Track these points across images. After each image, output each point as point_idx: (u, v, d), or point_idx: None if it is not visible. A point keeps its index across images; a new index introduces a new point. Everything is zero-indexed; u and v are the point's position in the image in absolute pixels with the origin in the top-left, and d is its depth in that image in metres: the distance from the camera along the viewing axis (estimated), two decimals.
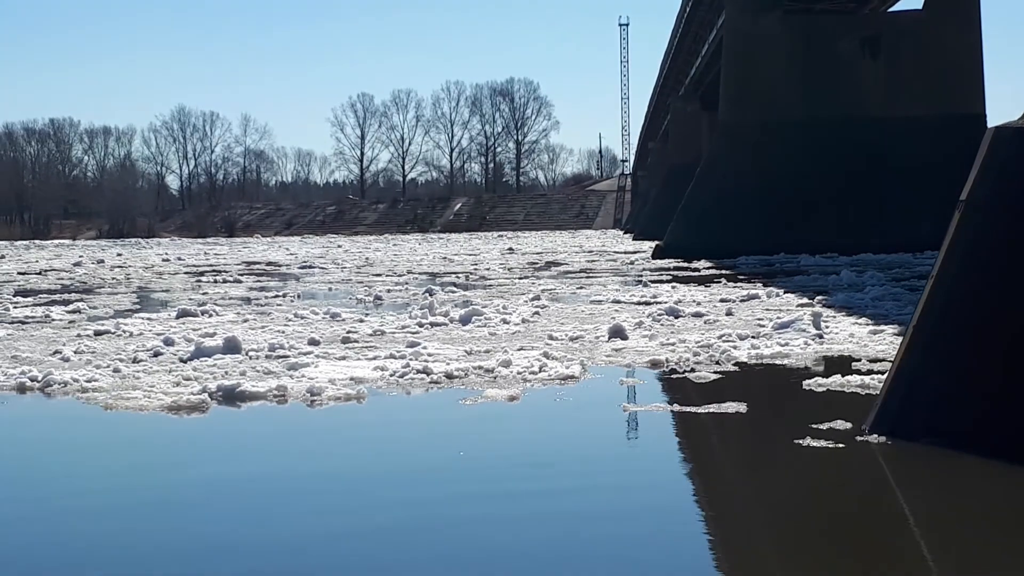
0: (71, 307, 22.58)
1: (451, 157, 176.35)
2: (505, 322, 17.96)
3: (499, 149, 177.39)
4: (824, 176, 48.23)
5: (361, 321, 18.50)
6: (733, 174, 49.70)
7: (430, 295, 23.96)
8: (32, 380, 12.06)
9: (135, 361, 13.68)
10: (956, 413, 8.22)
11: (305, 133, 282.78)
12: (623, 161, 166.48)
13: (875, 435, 8.54)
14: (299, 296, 26.24)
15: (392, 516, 7.02)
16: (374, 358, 13.62)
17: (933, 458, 8.07)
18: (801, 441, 8.52)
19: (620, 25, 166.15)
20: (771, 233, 46.32)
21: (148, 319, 19.60)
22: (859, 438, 8.58)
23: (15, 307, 23.28)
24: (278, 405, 10.82)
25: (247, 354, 13.97)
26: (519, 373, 12.19)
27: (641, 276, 32.54)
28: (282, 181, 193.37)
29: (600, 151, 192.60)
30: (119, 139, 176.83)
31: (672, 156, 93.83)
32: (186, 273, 40.89)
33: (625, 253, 54.39)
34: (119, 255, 65.35)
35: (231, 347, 14.11)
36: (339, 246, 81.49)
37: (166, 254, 65.26)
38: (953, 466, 7.88)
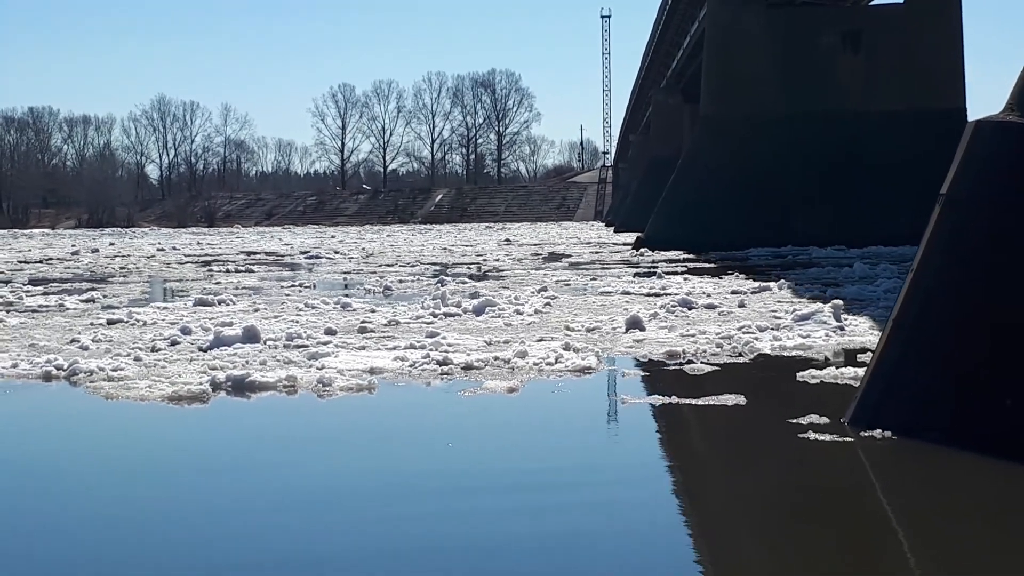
0: (85, 296, 22.47)
1: (432, 148, 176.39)
2: (519, 313, 17.85)
3: (480, 140, 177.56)
4: (805, 170, 48.29)
5: (373, 311, 18.43)
6: (714, 167, 49.73)
7: (442, 285, 24.04)
8: (58, 368, 11.93)
9: (154, 350, 13.62)
10: (935, 407, 8.23)
11: (286, 123, 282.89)
12: (604, 153, 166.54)
13: (854, 427, 8.55)
14: (315, 286, 26.17)
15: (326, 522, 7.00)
16: (394, 348, 13.57)
17: (911, 452, 8.06)
18: (804, 435, 8.46)
19: (602, 17, 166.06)
20: (751, 227, 46.34)
21: (164, 308, 19.58)
22: (848, 431, 8.58)
23: (28, 295, 23.18)
24: (288, 396, 10.71)
25: (266, 343, 13.97)
26: (535, 364, 12.11)
27: (655, 268, 32.21)
28: (262, 171, 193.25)
29: (581, 143, 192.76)
30: (99, 128, 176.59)
31: (653, 148, 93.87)
32: (192, 263, 40.85)
33: (624, 245, 54.19)
34: (111, 244, 65.05)
35: (250, 336, 14.10)
36: (332, 236, 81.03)
37: (160, 243, 65.13)
38: (931, 460, 7.88)
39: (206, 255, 48.42)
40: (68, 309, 19.96)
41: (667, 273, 29.07)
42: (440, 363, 12.11)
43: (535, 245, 56.11)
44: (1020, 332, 7.90)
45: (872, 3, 55.67)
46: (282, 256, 46.80)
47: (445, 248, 53.09)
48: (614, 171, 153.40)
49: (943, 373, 8.24)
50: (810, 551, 6.21)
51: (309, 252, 48.06)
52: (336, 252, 48.95)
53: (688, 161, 52.79)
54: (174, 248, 56.75)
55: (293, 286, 26.11)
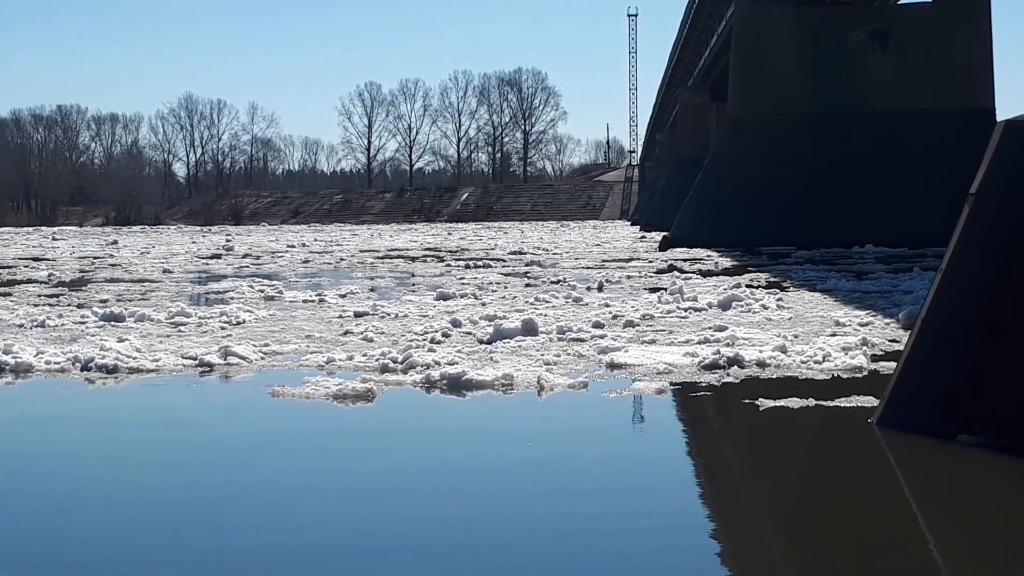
0: (344, 290, 22.83)
1: (458, 147, 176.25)
2: (764, 307, 17.76)
3: (506, 139, 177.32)
4: (833, 169, 48.13)
5: (607, 305, 18.61)
6: (742, 166, 49.61)
7: (675, 280, 24.43)
8: (393, 361, 12.05)
9: (433, 342, 13.90)
10: (964, 407, 8.20)
11: (312, 121, 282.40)
12: (630, 152, 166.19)
13: (883, 427, 8.53)
14: (557, 281, 26.08)
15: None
16: (686, 342, 13.58)
17: (939, 451, 8.04)
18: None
19: (629, 16, 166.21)
20: (780, 226, 46.22)
21: (408, 301, 20.10)
22: (867, 427, 8.56)
23: (288, 289, 23.51)
24: (504, 395, 10.58)
25: (543, 335, 14.25)
26: (803, 362, 11.80)
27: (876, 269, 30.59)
28: (289, 169, 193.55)
29: (608, 142, 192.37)
30: (126, 126, 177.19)
31: (680, 147, 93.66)
32: (400, 258, 41.57)
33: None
34: (228, 240, 64.82)
35: (529, 329, 14.37)
36: (449, 233, 79.36)
37: (277, 239, 66.54)
38: (960, 460, 7.86)
39: (369, 249, 49.20)
40: (329, 303, 20.12)
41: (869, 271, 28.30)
42: (731, 360, 11.82)
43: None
44: None
45: (900, 2, 55.43)
46: (456, 252, 46.71)
47: (598, 245, 53.12)
48: (640, 170, 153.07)
49: (972, 373, 8.21)
50: (831, 552, 6.19)
51: (519, 250, 46.70)
52: (546, 249, 48.01)
53: (715, 160, 52.66)
54: (303, 244, 56.59)
55: (533, 280, 26.60)
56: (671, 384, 10.88)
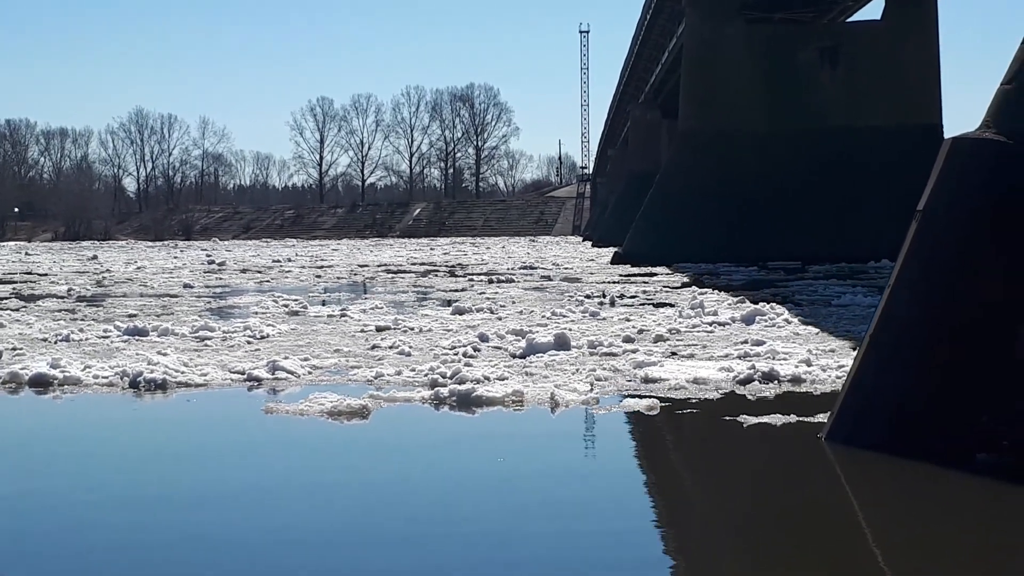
0: (369, 305, 22.59)
1: (411, 162, 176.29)
2: (788, 321, 17.78)
3: (459, 155, 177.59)
4: (784, 185, 48.43)
5: (628, 320, 18.54)
6: (693, 182, 49.83)
7: (695, 296, 24.30)
8: (442, 376, 11.89)
9: (466, 355, 13.81)
10: (911, 423, 8.22)
11: (264, 136, 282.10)
12: (582, 168, 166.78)
13: (831, 443, 8.55)
14: (604, 296, 25.91)
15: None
16: (724, 356, 13.49)
17: (887, 467, 8.05)
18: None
19: (581, 32, 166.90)
20: (730, 241, 46.49)
21: (426, 315, 20.00)
22: (815, 444, 8.58)
23: (311, 304, 23.30)
24: (515, 411, 10.36)
25: (575, 349, 14.21)
26: (839, 377, 11.50)
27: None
28: (240, 184, 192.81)
29: (560, 158, 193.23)
30: (76, 141, 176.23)
31: (631, 163, 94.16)
32: (404, 271, 41.26)
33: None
34: (208, 255, 63.92)
35: (561, 344, 14.34)
36: (431, 249, 78.17)
37: (258, 254, 66.44)
38: (907, 475, 7.86)
39: (363, 264, 49.10)
40: (351, 318, 19.85)
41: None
42: (766, 375, 11.70)
43: None
44: (994, 348, 7.91)
45: (849, 20, 55.96)
46: (456, 267, 46.35)
47: (591, 259, 53.04)
48: (592, 186, 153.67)
49: (919, 389, 8.23)
50: (783, 566, 6.18)
51: (527, 264, 46.71)
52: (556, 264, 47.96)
53: (666, 176, 52.88)
54: (289, 260, 56.07)
55: (563, 295, 26.44)
56: (701, 399, 10.76)
